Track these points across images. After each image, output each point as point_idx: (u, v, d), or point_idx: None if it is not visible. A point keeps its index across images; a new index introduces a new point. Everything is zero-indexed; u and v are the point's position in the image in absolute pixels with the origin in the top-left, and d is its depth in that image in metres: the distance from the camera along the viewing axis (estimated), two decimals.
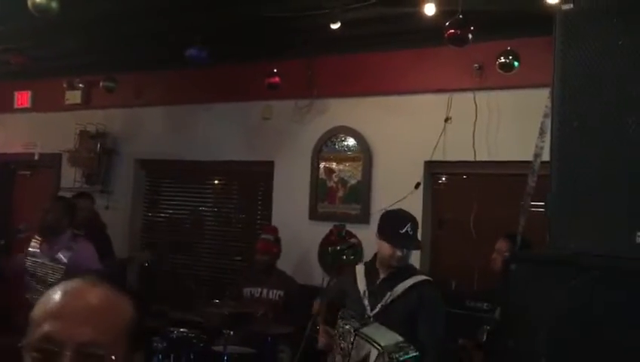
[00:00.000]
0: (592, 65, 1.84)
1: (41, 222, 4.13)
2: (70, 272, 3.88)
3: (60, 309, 1.09)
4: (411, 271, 3.20)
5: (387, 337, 2.81)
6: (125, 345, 1.12)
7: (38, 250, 4.07)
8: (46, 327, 1.07)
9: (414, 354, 2.74)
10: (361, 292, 3.15)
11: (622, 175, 1.79)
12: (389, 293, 3.06)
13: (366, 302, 3.10)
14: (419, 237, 3.26)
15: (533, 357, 1.84)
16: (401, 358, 2.71)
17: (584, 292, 1.77)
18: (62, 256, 3.95)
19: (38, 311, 1.11)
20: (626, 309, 1.70)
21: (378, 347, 2.71)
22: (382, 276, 3.17)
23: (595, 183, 1.83)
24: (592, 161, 1.86)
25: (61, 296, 1.11)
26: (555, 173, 1.93)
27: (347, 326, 2.91)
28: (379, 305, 3.05)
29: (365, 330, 2.85)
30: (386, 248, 3.10)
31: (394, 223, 3.14)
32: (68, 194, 6.46)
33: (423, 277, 3.18)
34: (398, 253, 3.08)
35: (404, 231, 3.09)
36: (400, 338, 2.82)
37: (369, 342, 2.78)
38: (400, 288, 3.07)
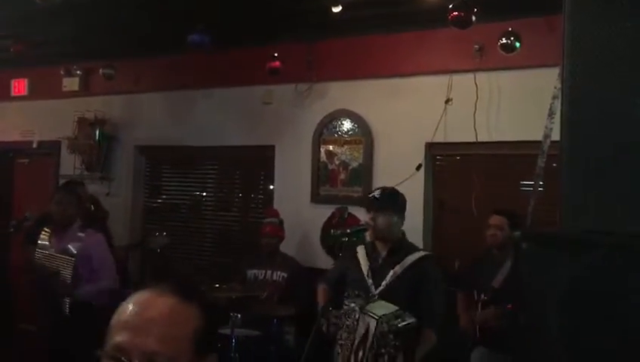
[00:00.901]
0: (602, 47, 1.86)
1: (52, 214, 4.11)
2: (81, 263, 3.91)
3: (128, 320, 1.15)
4: (410, 248, 3.30)
5: (385, 308, 2.92)
6: (192, 352, 1.16)
7: (47, 243, 4.06)
8: (117, 337, 1.13)
9: (411, 319, 2.85)
10: (365, 272, 3.24)
11: (633, 153, 1.83)
12: (391, 271, 3.16)
13: (370, 282, 3.19)
14: (398, 207, 3.30)
15: (545, 331, 1.89)
16: (400, 324, 2.80)
17: (595, 270, 1.80)
18: (71, 248, 3.95)
19: (113, 320, 1.17)
20: (636, 286, 1.74)
21: (376, 317, 2.81)
22: (382, 254, 3.26)
23: (607, 162, 1.86)
24: (603, 141, 1.89)
25: (131, 306, 1.17)
26: (565, 152, 1.96)
27: (352, 304, 2.99)
28: (383, 284, 3.16)
29: (369, 307, 2.94)
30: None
31: (369, 193, 3.42)
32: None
33: (423, 253, 3.31)
34: (369, 216, 3.22)
35: (371, 196, 3.31)
36: (397, 308, 2.92)
37: (370, 316, 2.87)
38: (401, 266, 3.17)
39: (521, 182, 4.55)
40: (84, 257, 3.92)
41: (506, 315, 3.73)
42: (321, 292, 3.50)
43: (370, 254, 3.30)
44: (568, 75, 1.95)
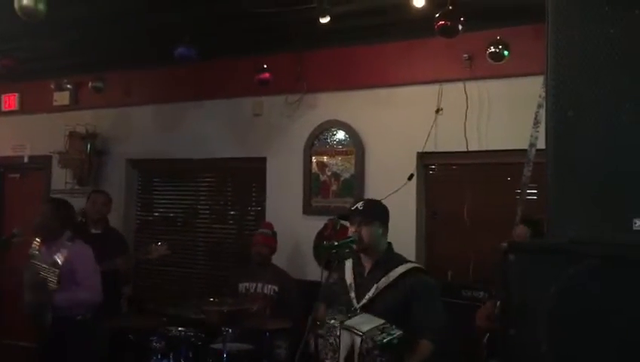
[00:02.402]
0: (585, 55, 1.85)
1: (34, 224, 4.11)
2: (64, 274, 3.87)
3: None
4: (398, 260, 3.18)
5: (369, 323, 2.82)
6: None
7: (37, 252, 4.05)
8: None
9: (397, 332, 2.74)
10: (348, 285, 3.16)
11: (618, 162, 1.81)
12: (375, 285, 3.05)
13: (352, 295, 3.10)
14: (382, 218, 3.21)
15: (534, 344, 1.86)
16: (385, 339, 2.71)
17: (582, 280, 1.78)
18: (57, 259, 3.92)
19: None
20: (624, 296, 1.72)
21: (360, 334, 2.72)
22: (367, 268, 3.17)
23: (592, 171, 1.85)
24: (588, 150, 1.87)
25: None
26: (551, 163, 1.95)
27: (332, 321, 2.89)
28: (366, 297, 3.05)
29: (349, 322, 2.84)
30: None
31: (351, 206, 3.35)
32: (59, 196, 6.48)
33: (412, 265, 3.17)
34: (351, 229, 3.15)
35: (355, 208, 3.21)
36: (382, 321, 2.81)
37: (353, 333, 2.78)
38: (386, 279, 3.06)
39: (516, 191, 4.53)
40: (68, 268, 3.89)
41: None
42: (319, 310, 3.38)
43: (356, 267, 3.22)
44: (552, 84, 1.94)
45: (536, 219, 3.92)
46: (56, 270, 3.88)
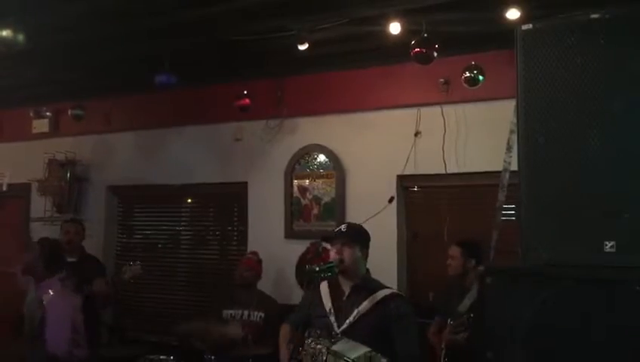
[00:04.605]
0: (554, 83, 1.93)
1: (24, 262, 4.11)
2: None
3: None
4: (376, 285, 3.18)
5: (356, 350, 2.83)
6: None
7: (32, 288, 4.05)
8: None
9: (384, 360, 2.77)
10: (327, 309, 3.14)
11: (588, 187, 1.87)
12: (356, 310, 3.05)
13: (332, 319, 3.08)
14: (364, 242, 3.23)
15: None
16: None
17: (557, 302, 1.83)
18: (43, 299, 3.90)
19: None
20: (598, 317, 1.77)
21: (350, 361, 2.73)
22: (346, 291, 3.16)
23: (563, 196, 1.91)
24: (559, 174, 1.94)
25: None
26: (523, 187, 2.01)
27: (319, 346, 2.88)
28: (346, 322, 3.04)
29: (336, 347, 2.84)
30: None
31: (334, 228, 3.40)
32: (38, 224, 6.43)
33: (390, 291, 3.17)
34: (332, 251, 3.15)
35: (338, 230, 3.25)
36: (367, 349, 2.81)
37: (341, 359, 2.78)
38: (367, 304, 3.06)
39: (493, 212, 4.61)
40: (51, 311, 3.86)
41: (462, 324, 3.82)
42: (283, 331, 3.37)
43: (334, 291, 3.20)
44: (523, 111, 2.01)
45: (470, 241, 4.13)
46: (39, 311, 3.86)
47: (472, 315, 3.83)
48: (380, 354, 2.77)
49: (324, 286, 3.24)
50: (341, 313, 3.09)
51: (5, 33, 3.31)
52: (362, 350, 2.78)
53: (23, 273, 4.13)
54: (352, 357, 2.72)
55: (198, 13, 3.99)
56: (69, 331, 3.88)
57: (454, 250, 4.17)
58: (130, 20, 4.14)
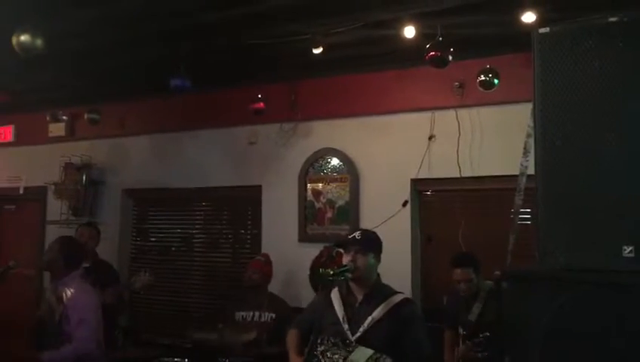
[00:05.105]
0: (571, 86, 1.91)
1: (42, 258, 4.12)
2: (63, 315, 3.82)
3: None
4: (388, 291, 3.16)
5: (363, 354, 2.82)
6: None
7: (48, 286, 4.04)
8: None
9: (389, 360, 2.76)
10: (340, 317, 3.11)
11: (606, 190, 1.85)
12: (370, 317, 3.02)
13: (345, 327, 3.05)
14: (377, 249, 3.21)
15: None
16: None
17: (575, 306, 1.81)
18: (63, 295, 3.89)
19: None
20: (617, 322, 1.75)
21: None
22: (359, 298, 3.14)
23: (581, 199, 1.89)
24: (576, 178, 1.92)
25: None
26: (540, 191, 1.99)
27: (336, 356, 2.88)
28: (360, 330, 3.01)
29: (352, 357, 2.84)
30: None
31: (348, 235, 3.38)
32: (54, 227, 6.49)
33: (402, 296, 3.15)
34: (346, 258, 3.13)
35: (352, 236, 3.23)
36: (372, 351, 2.83)
37: None
38: (382, 309, 3.04)
39: (510, 216, 4.58)
40: (65, 311, 3.83)
41: (480, 344, 3.79)
42: (291, 337, 3.34)
43: (346, 298, 3.18)
44: (540, 115, 2.00)
45: (468, 256, 4.13)
46: (59, 307, 3.85)
47: (488, 334, 3.79)
48: (384, 355, 2.77)
49: (335, 293, 3.22)
50: (354, 321, 3.06)
51: (24, 38, 3.34)
52: (368, 354, 2.78)
53: (43, 269, 4.14)
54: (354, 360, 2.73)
55: (212, 18, 4.02)
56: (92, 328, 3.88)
57: (465, 274, 4.03)
58: (145, 25, 4.17)
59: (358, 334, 3.01)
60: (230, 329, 4.34)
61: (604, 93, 1.89)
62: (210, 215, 6.21)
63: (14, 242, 7.02)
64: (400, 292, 3.20)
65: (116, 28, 4.20)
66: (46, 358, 3.73)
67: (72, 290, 3.86)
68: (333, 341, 2.96)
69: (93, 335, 3.80)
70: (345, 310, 3.12)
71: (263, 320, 4.68)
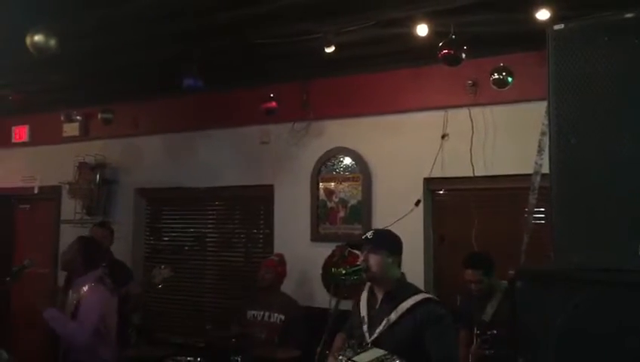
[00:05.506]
0: (586, 84, 1.89)
1: (61, 257, 4.18)
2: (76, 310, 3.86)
3: None
4: (410, 291, 3.09)
5: (370, 354, 2.78)
6: None
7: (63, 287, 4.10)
8: None
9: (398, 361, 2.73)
10: (362, 318, 3.09)
11: (621, 189, 1.83)
12: (385, 319, 2.98)
13: (365, 328, 3.03)
14: (391, 247, 3.15)
15: None
16: None
17: (590, 306, 1.79)
18: (80, 293, 3.94)
19: None
20: (633, 322, 1.72)
21: None
22: (379, 299, 3.10)
23: (596, 198, 1.87)
24: (591, 176, 1.90)
25: None
26: (555, 190, 1.97)
27: (340, 357, 2.85)
28: (376, 332, 2.98)
29: (357, 358, 2.77)
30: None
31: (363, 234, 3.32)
32: (68, 227, 6.54)
33: (423, 296, 3.07)
34: (361, 258, 3.10)
35: (364, 236, 3.18)
36: (384, 352, 2.77)
37: None
38: (399, 311, 2.98)
39: (523, 215, 4.55)
40: (82, 311, 3.88)
41: (487, 342, 3.78)
42: (336, 340, 3.29)
43: (370, 299, 3.14)
44: (555, 112, 1.97)
45: (480, 257, 4.09)
46: (74, 303, 3.91)
47: (495, 332, 3.77)
48: (394, 356, 2.72)
49: (364, 294, 3.19)
50: (373, 322, 3.02)
51: (37, 38, 3.36)
52: (376, 354, 2.74)
53: (62, 268, 4.18)
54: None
55: (224, 17, 4.02)
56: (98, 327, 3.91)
57: (475, 275, 4.02)
58: (158, 25, 4.18)
59: (375, 336, 2.97)
60: (241, 328, 4.34)
61: (619, 91, 1.86)
62: (223, 214, 6.22)
63: (29, 241, 7.09)
64: (423, 292, 3.14)
65: (129, 28, 4.21)
66: (47, 314, 3.80)
67: (85, 288, 3.90)
68: (351, 342, 2.92)
69: (86, 333, 3.84)
70: (368, 311, 3.09)
71: (272, 320, 4.68)
